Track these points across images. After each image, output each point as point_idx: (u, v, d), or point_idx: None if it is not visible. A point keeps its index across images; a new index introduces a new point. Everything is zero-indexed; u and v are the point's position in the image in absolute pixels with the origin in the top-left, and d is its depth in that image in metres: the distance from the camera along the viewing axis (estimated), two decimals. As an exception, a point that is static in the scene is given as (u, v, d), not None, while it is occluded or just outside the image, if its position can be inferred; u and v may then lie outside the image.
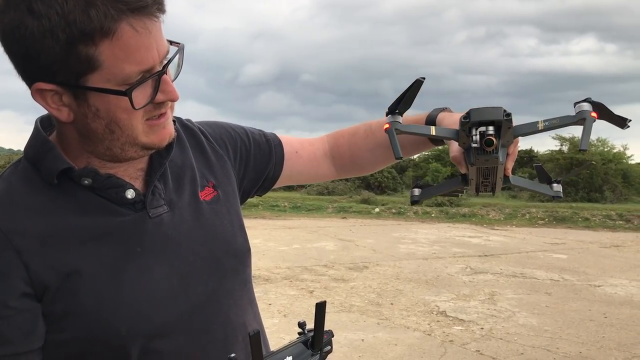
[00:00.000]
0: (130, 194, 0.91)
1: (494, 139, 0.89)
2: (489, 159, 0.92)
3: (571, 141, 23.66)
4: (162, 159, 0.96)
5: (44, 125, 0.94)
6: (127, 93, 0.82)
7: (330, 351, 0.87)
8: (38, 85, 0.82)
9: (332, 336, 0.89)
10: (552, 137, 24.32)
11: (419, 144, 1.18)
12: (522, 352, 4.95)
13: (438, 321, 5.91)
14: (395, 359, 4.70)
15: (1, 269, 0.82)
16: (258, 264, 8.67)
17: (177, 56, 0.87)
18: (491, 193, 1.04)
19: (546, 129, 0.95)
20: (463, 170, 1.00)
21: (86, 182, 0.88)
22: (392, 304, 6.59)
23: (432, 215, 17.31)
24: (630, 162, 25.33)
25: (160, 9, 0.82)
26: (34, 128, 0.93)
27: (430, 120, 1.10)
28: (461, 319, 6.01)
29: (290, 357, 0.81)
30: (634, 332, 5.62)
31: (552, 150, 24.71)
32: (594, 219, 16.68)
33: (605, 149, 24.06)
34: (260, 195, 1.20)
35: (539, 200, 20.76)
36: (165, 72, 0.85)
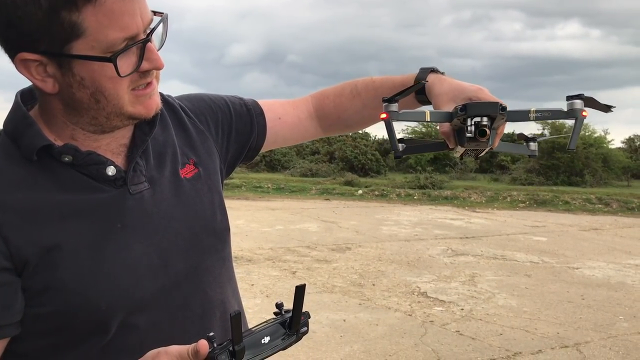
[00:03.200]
0: (110, 170, 0.91)
1: (487, 130, 0.92)
2: (479, 144, 0.95)
3: (552, 125, 23.86)
4: (144, 135, 0.95)
5: (24, 99, 0.93)
6: (111, 59, 0.81)
7: (306, 332, 0.88)
8: (22, 56, 0.82)
9: (309, 317, 0.90)
10: (535, 122, 24.51)
11: (405, 106, 1.10)
12: (501, 333, 5.03)
13: (419, 302, 5.97)
14: (376, 339, 4.75)
15: None
16: (241, 245, 8.68)
17: (161, 25, 0.87)
18: (474, 159, 1.07)
19: (537, 119, 0.98)
20: (451, 145, 1.00)
21: (66, 159, 0.88)
22: (373, 284, 6.64)
23: (415, 197, 17.40)
24: (610, 146, 25.62)
25: None
26: (14, 102, 0.92)
27: (419, 85, 1.08)
28: (442, 300, 6.08)
29: (268, 337, 0.83)
30: (610, 313, 5.74)
31: (534, 134, 24.87)
32: (574, 202, 16.90)
33: (587, 133, 24.28)
34: (246, 164, 1.19)
35: (520, 184, 20.98)
36: (149, 40, 0.85)
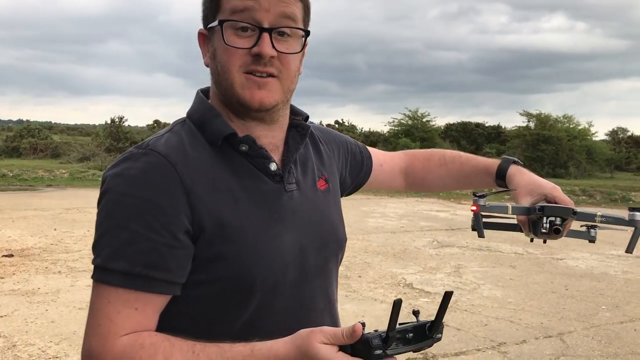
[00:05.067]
0: (273, 166, 1.03)
1: (560, 229, 1.10)
2: (550, 236, 1.13)
3: (537, 117, 24.03)
4: (297, 144, 1.08)
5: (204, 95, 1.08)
6: (220, 22, 0.96)
7: (439, 339, 0.93)
8: (200, 30, 1.03)
9: (443, 327, 0.95)
10: (520, 114, 24.68)
11: (475, 179, 1.38)
12: (486, 324, 5.07)
13: (405, 293, 6.00)
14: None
15: (174, 204, 0.92)
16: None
17: (289, 30, 0.98)
18: (543, 242, 1.24)
19: (602, 222, 1.17)
20: (526, 233, 1.18)
21: (243, 148, 1.00)
22: (360, 276, 6.66)
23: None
24: (594, 138, 25.88)
25: None
26: (197, 97, 1.06)
27: (501, 173, 1.29)
28: (427, 291, 6.11)
29: (412, 334, 0.89)
30: (592, 303, 5.81)
31: (519, 126, 25.05)
32: (558, 194, 17.06)
33: (571, 126, 24.51)
34: (344, 196, 1.32)
35: (506, 176, 21.12)
36: (268, 32, 0.95)
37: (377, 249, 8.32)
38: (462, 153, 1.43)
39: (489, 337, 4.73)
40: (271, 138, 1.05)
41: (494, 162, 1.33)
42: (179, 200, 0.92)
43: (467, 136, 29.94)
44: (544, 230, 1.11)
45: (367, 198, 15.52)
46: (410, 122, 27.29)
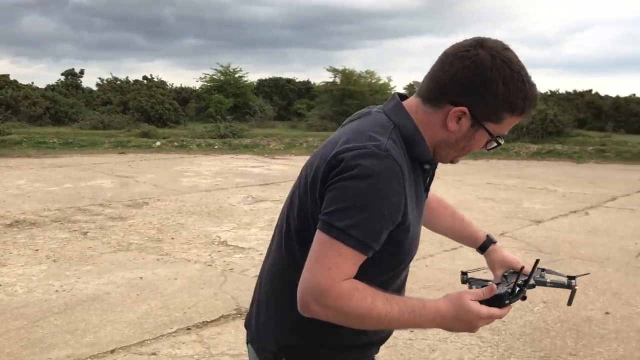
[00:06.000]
0: (427, 181, 1.44)
1: (526, 296, 1.41)
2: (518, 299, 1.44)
3: (342, 73, 25.15)
4: (434, 167, 1.44)
5: (400, 98, 1.43)
6: (492, 135, 1.35)
7: (525, 298, 1.39)
8: (465, 109, 1.30)
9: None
10: (327, 70, 25.61)
11: (464, 241, 1.82)
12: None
13: (219, 251, 6.00)
14: (174, 293, 4.68)
15: (400, 204, 1.26)
16: (23, 207, 7.89)
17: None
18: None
19: (551, 285, 1.64)
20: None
21: (427, 167, 1.38)
22: (172, 238, 6.51)
23: (216, 147, 17.31)
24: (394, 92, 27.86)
25: None
26: (401, 109, 1.37)
27: (484, 248, 1.75)
28: (241, 247, 6.18)
29: (519, 290, 1.35)
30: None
31: (326, 82, 26.03)
32: (363, 145, 18.17)
33: (373, 81, 26.05)
34: None
35: (316, 130, 21.94)
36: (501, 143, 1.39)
37: (191, 209, 8.18)
38: (464, 217, 1.81)
39: (300, 286, 4.93)
40: None
41: (481, 237, 1.75)
42: (402, 201, 1.27)
43: (279, 92, 30.42)
44: (513, 296, 1.40)
45: (181, 157, 15.14)
46: (222, 78, 26.94)
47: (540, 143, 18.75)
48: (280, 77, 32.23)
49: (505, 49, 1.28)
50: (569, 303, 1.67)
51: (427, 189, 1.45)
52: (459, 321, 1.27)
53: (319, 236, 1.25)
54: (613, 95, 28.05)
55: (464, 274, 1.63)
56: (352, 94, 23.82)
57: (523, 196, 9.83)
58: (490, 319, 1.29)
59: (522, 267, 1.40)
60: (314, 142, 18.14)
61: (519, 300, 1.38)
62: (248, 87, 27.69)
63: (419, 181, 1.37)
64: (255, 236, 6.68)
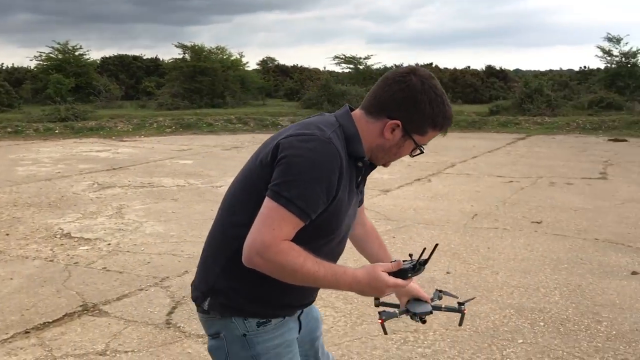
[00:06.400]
0: (358, 179, 1.70)
1: (426, 320, 1.89)
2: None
3: (192, 49, 24.43)
4: (369, 170, 1.73)
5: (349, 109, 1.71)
6: (417, 144, 1.66)
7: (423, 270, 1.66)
8: (398, 122, 1.61)
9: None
10: (176, 46, 24.68)
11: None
12: (149, 261, 5.07)
13: (62, 244, 5.58)
14: (10, 295, 4.28)
15: (335, 182, 1.54)
16: None
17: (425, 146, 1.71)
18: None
19: (446, 310, 1.94)
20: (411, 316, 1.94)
21: (360, 164, 1.64)
22: (7, 234, 5.94)
23: (56, 131, 16.06)
24: (246, 68, 27.62)
25: None
26: (348, 116, 1.66)
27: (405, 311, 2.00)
28: (87, 238, 5.80)
29: (421, 267, 1.63)
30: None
31: (176, 59, 25.14)
32: (217, 123, 17.88)
33: (225, 57, 25.60)
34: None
35: (167, 109, 21.17)
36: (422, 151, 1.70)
37: (29, 200, 7.53)
38: (386, 249, 2.05)
39: (152, 274, 4.74)
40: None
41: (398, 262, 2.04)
42: (338, 181, 1.53)
43: (125, 70, 28.86)
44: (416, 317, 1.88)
45: (16, 144, 13.87)
46: (60, 56, 24.95)
47: (388, 115, 19.63)
48: (126, 55, 30.57)
49: (432, 77, 1.60)
50: (460, 324, 1.97)
51: (358, 186, 1.70)
52: (371, 287, 1.56)
53: (267, 203, 1.50)
54: (451, 67, 30.15)
55: (377, 299, 1.84)
56: (203, 70, 23.23)
57: (372, 167, 10.25)
58: (396, 287, 1.59)
59: (436, 246, 1.68)
60: (165, 122, 17.50)
61: (420, 323, 1.86)
62: (90, 65, 25.91)
63: (352, 177, 1.63)
64: (103, 225, 6.31)
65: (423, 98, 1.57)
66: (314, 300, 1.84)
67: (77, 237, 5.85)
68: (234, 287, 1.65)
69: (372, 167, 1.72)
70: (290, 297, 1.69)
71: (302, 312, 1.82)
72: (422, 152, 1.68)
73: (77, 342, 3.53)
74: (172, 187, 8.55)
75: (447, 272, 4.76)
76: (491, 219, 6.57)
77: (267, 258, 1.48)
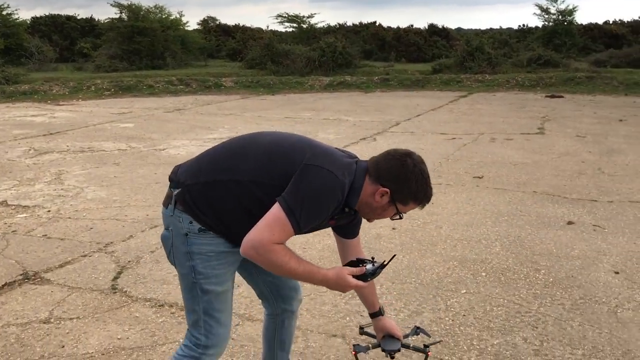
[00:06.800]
0: (336, 215, 2.04)
1: (394, 354, 2.25)
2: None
3: (129, 8, 23.51)
4: (354, 216, 2.12)
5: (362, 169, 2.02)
6: (399, 213, 2.02)
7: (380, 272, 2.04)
8: (387, 190, 1.95)
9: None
10: (111, 5, 23.72)
11: (364, 301, 2.35)
12: (92, 227, 4.94)
13: (-2, 213, 5.37)
14: (-56, 267, 4.10)
15: (332, 209, 1.93)
16: None
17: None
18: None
19: (412, 349, 2.30)
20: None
21: (346, 210, 1.99)
22: (-62, 204, 5.66)
23: (-14, 95, 15.26)
24: (187, 28, 26.85)
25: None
26: (364, 172, 1.99)
27: (375, 315, 2.31)
28: (25, 206, 5.60)
29: (380, 270, 2.01)
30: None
31: (112, 19, 24.16)
32: (158, 85, 17.38)
33: (164, 16, 24.78)
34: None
35: (105, 71, 20.42)
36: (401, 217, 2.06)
37: (-40, 169, 7.17)
38: (374, 282, 2.31)
39: (95, 240, 4.63)
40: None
41: (377, 306, 2.32)
42: (330, 213, 1.93)
43: (58, 31, 27.56)
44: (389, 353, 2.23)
45: (-58, 110, 13.09)
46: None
47: (332, 75, 19.58)
48: (59, 14, 29.21)
49: (422, 162, 1.97)
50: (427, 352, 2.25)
51: (332, 217, 2.00)
52: (337, 285, 1.95)
53: (277, 210, 1.84)
54: (394, 26, 30.13)
55: (361, 327, 2.36)
56: (141, 30, 22.44)
57: (318, 127, 10.25)
58: (356, 287, 2.01)
59: (394, 256, 2.25)
60: (104, 85, 16.90)
61: (388, 358, 2.24)
62: (20, 26, 24.64)
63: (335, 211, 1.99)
64: (41, 192, 6.09)
65: (412, 177, 1.92)
66: None
67: (14, 205, 5.63)
68: (202, 204, 1.96)
69: (356, 214, 2.06)
70: (236, 243, 1.96)
71: None
72: (401, 218, 2.02)
73: (19, 311, 3.43)
74: (113, 151, 8.31)
75: (393, 228, 4.85)
76: (435, 175, 6.71)
77: (260, 253, 1.84)
